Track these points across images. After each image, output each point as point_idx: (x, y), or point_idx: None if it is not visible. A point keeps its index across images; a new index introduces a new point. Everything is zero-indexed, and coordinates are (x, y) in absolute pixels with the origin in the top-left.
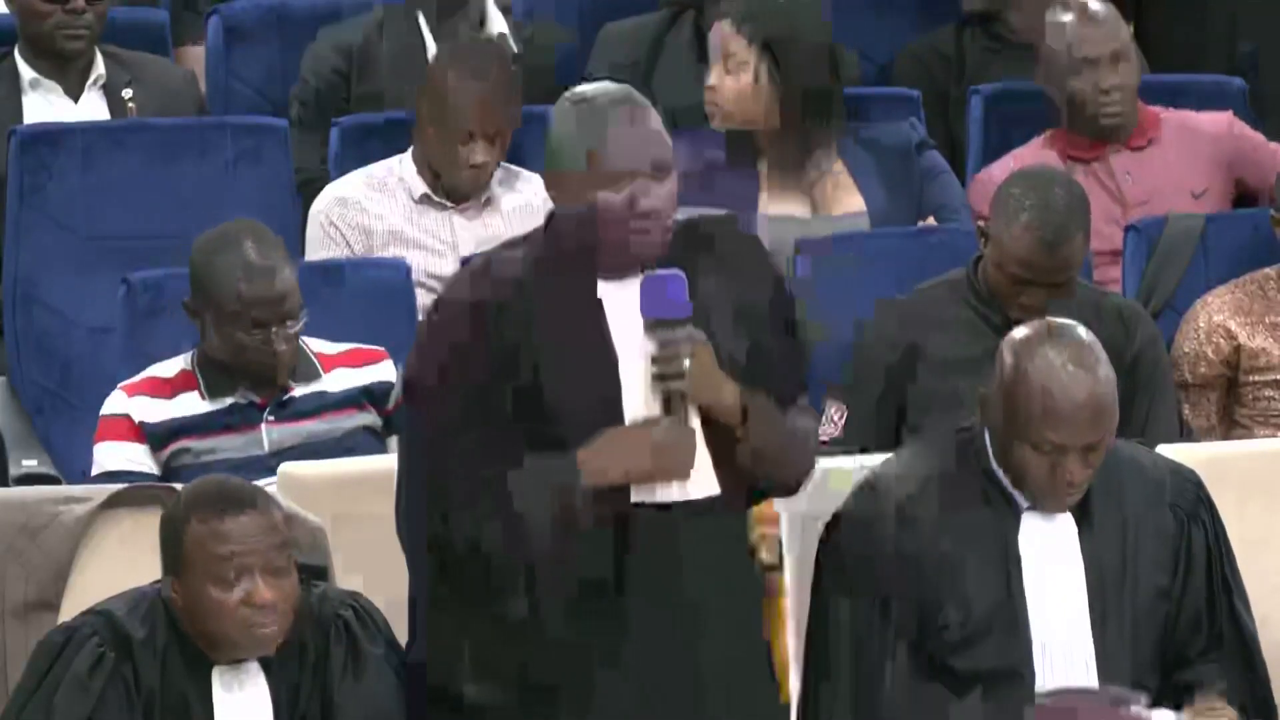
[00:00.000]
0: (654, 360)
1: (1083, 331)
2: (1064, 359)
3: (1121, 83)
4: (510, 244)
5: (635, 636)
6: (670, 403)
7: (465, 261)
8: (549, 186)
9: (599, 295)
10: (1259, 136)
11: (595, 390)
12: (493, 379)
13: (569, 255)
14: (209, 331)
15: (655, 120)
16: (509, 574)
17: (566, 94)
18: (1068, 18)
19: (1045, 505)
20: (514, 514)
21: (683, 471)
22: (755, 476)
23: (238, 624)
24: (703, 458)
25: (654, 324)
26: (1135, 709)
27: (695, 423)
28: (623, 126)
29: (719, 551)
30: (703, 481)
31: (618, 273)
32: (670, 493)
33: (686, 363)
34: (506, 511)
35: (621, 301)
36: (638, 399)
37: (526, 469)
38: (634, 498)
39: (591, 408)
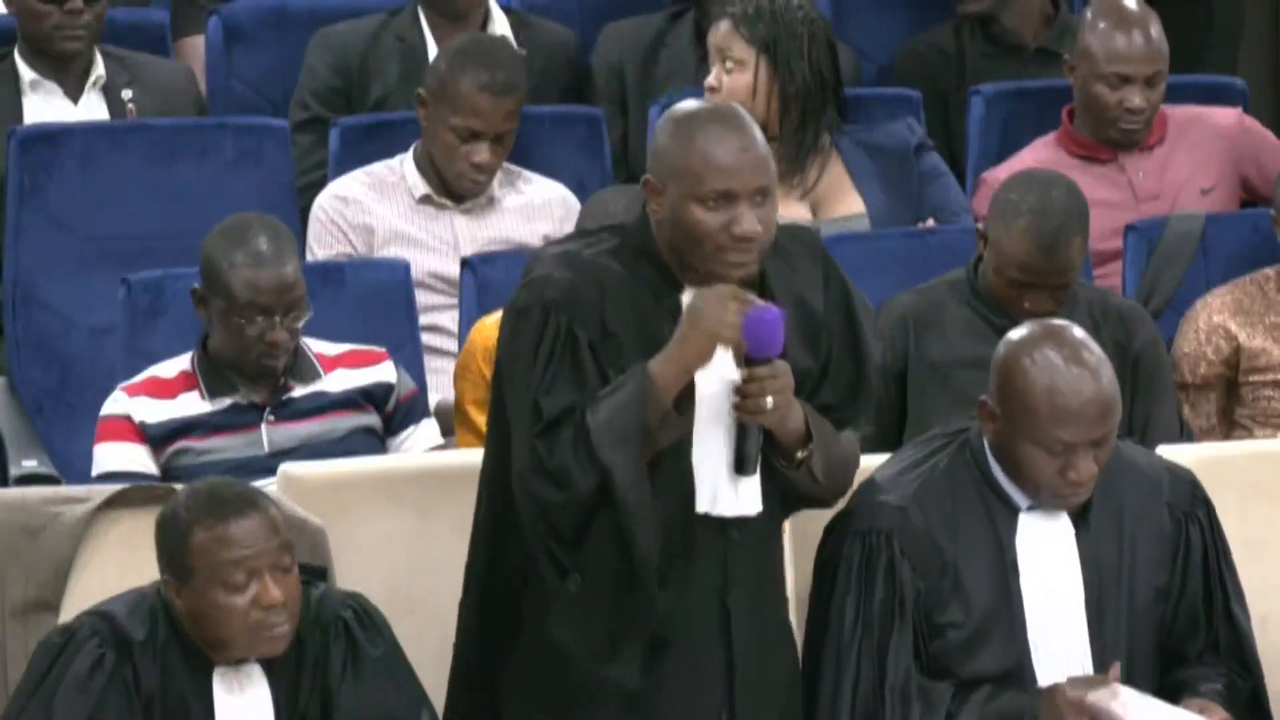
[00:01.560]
0: (738, 391)
1: (1077, 330)
2: (1065, 358)
3: (1147, 105)
4: (594, 238)
5: (675, 643)
6: (744, 435)
7: (467, 263)
8: (650, 194)
9: (682, 303)
10: (1268, 134)
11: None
12: (575, 377)
13: (656, 260)
14: (213, 320)
15: (761, 144)
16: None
17: (675, 108)
18: (1111, 24)
19: (1054, 504)
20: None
21: (720, 331)
22: (802, 494)
23: (250, 627)
24: (752, 480)
25: (747, 360)
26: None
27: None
28: (728, 149)
29: (756, 561)
30: (748, 499)
31: (704, 282)
32: (716, 508)
33: (769, 400)
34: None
35: None
36: (711, 417)
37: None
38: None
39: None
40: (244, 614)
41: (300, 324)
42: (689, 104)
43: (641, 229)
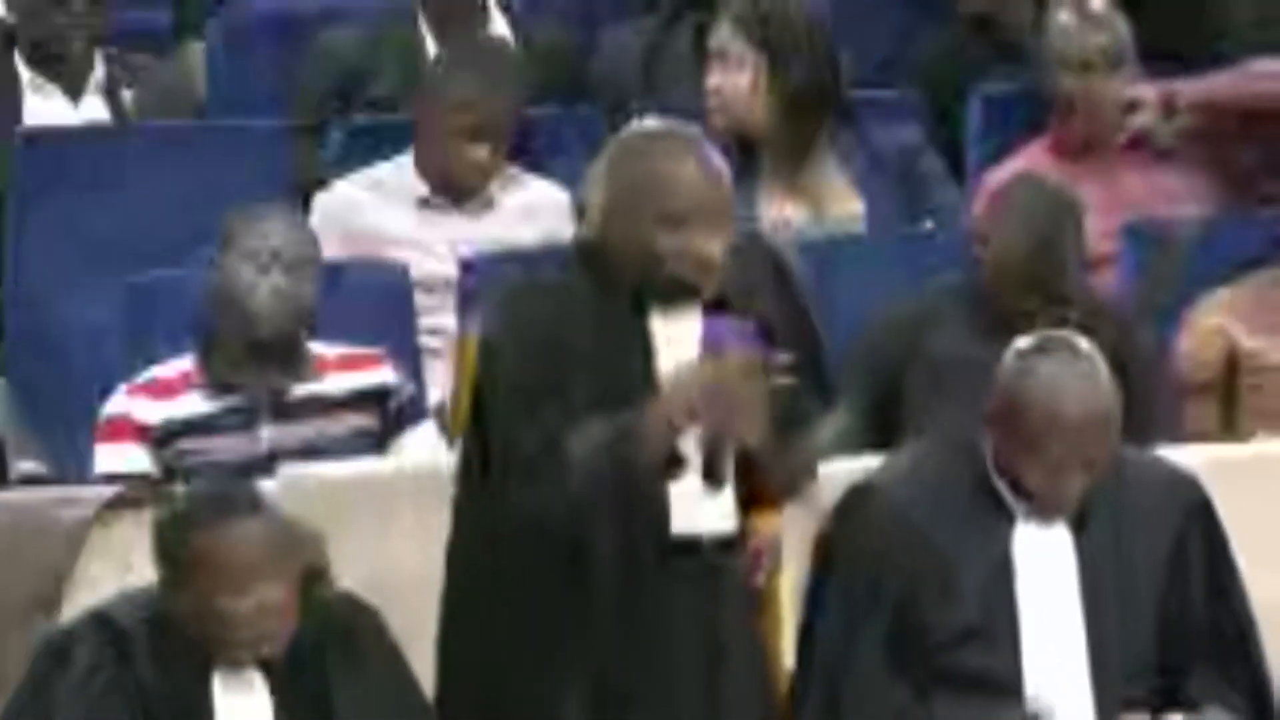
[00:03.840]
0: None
1: (1083, 344)
2: (1067, 372)
3: (1112, 89)
4: (548, 259)
5: (658, 668)
6: (715, 450)
7: (467, 265)
8: (598, 216)
9: (650, 327)
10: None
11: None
12: (543, 401)
13: (619, 286)
14: (218, 284)
15: (719, 164)
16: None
17: (629, 130)
18: (1069, 18)
19: (1047, 514)
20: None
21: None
22: (761, 492)
23: (252, 631)
24: (727, 495)
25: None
26: None
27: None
28: (687, 170)
29: (732, 577)
30: (724, 515)
31: (669, 305)
32: (697, 525)
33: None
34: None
35: (671, 335)
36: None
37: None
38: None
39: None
40: (246, 618)
41: (308, 298)
42: (645, 126)
43: (594, 255)
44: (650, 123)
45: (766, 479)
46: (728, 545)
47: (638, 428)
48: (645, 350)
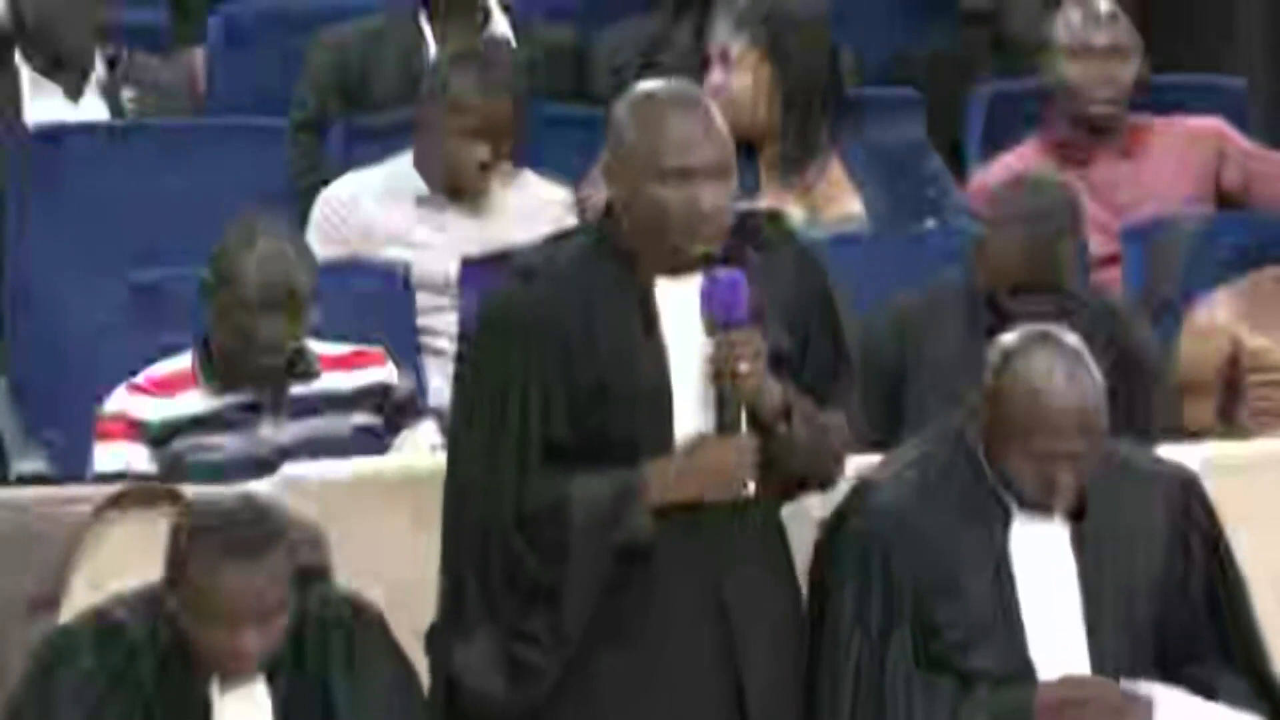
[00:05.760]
0: (711, 361)
1: (1071, 337)
2: (1052, 365)
3: (1114, 78)
4: (562, 235)
5: (662, 626)
6: (723, 404)
7: (467, 264)
8: (608, 178)
9: (655, 291)
10: (1245, 142)
11: (646, 387)
12: (547, 378)
13: (624, 250)
14: (218, 313)
15: (719, 120)
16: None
17: (633, 88)
18: (1074, 11)
19: (1040, 509)
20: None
21: (737, 489)
22: (790, 473)
23: (227, 661)
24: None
25: (714, 326)
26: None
27: (744, 425)
28: (688, 125)
29: (752, 541)
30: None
31: (674, 269)
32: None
33: (744, 366)
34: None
35: (677, 298)
36: (689, 398)
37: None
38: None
39: (641, 405)
40: (220, 650)
41: (305, 326)
42: (648, 85)
43: (609, 222)
44: (652, 83)
45: (784, 455)
46: (744, 513)
47: (639, 495)
48: (649, 308)
